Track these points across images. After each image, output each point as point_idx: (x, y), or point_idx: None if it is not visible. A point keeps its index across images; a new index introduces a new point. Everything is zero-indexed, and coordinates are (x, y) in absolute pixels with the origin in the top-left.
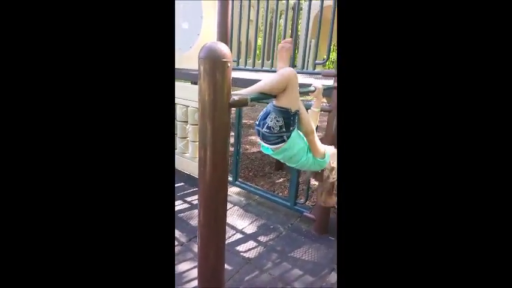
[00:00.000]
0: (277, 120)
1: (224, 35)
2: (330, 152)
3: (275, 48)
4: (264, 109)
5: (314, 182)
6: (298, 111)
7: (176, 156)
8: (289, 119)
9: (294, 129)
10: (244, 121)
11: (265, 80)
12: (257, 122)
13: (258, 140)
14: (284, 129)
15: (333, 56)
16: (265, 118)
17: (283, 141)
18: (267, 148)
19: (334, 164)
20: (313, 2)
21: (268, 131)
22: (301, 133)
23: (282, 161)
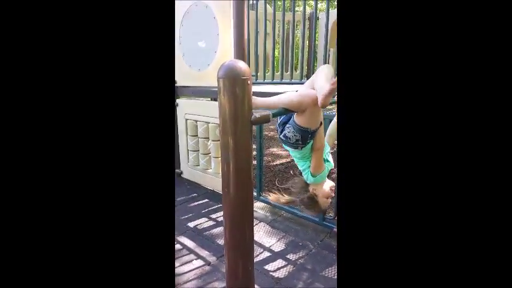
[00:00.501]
0: (294, 135)
1: (241, 51)
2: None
3: (293, 60)
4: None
5: None
6: (317, 129)
7: (199, 172)
8: (307, 137)
9: (310, 142)
10: (265, 133)
11: (289, 95)
12: (278, 121)
13: (281, 151)
14: (300, 142)
15: None
16: (284, 123)
17: (297, 148)
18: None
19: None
20: (330, 11)
21: (285, 139)
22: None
23: (294, 158)
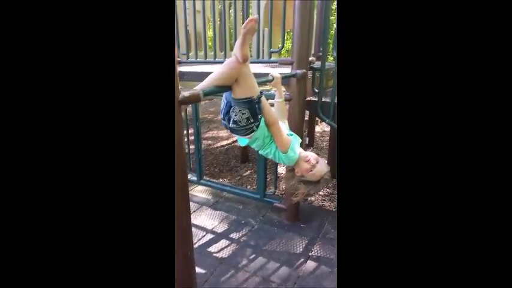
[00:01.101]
0: (242, 113)
1: None
2: (312, 157)
3: (227, 39)
4: (222, 101)
5: (281, 171)
6: (260, 97)
7: None
8: (254, 108)
9: (261, 117)
10: (204, 115)
11: (216, 71)
12: (221, 116)
13: (222, 133)
14: (252, 120)
15: (288, 44)
16: (227, 112)
17: (253, 131)
18: (242, 139)
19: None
20: None
21: (235, 125)
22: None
23: (257, 150)
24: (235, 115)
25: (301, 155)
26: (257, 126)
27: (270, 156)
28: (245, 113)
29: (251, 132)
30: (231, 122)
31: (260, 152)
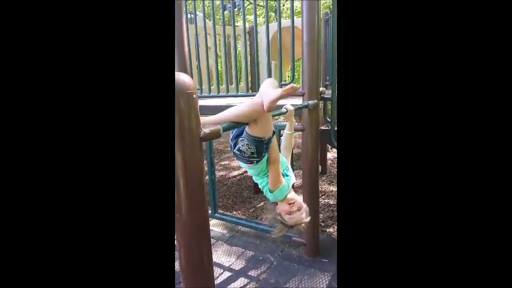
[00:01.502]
0: (249, 147)
1: (183, 64)
2: (296, 200)
3: (237, 73)
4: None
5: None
6: (271, 138)
7: None
8: (262, 148)
9: (265, 155)
10: (215, 146)
11: (237, 108)
12: (231, 137)
13: (234, 163)
14: (255, 156)
15: (297, 74)
16: (237, 137)
17: (252, 162)
18: (241, 163)
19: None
20: (270, 24)
21: (239, 153)
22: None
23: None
24: (242, 145)
25: (288, 197)
26: (257, 162)
27: (260, 186)
28: (251, 148)
29: (251, 163)
30: (236, 148)
31: (253, 178)
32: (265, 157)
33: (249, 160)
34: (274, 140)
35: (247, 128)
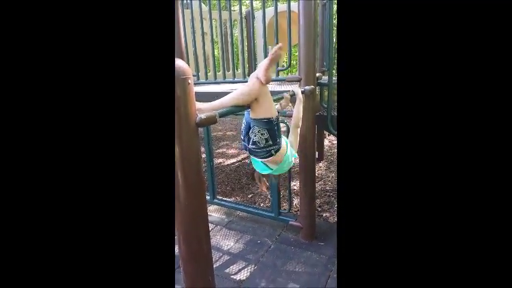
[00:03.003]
0: (261, 134)
1: (179, 50)
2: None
3: (234, 59)
4: (243, 123)
5: (294, 187)
6: (279, 118)
7: None
8: (274, 130)
9: (280, 141)
10: (214, 133)
11: (236, 91)
12: (242, 137)
13: (231, 150)
14: (270, 142)
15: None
16: (247, 133)
17: (271, 155)
18: (263, 168)
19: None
20: (266, 9)
21: (254, 146)
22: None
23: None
24: (255, 135)
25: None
26: (275, 151)
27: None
28: (264, 134)
29: (269, 156)
30: (250, 143)
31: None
32: (279, 147)
33: (266, 151)
34: (299, 104)
35: (252, 114)
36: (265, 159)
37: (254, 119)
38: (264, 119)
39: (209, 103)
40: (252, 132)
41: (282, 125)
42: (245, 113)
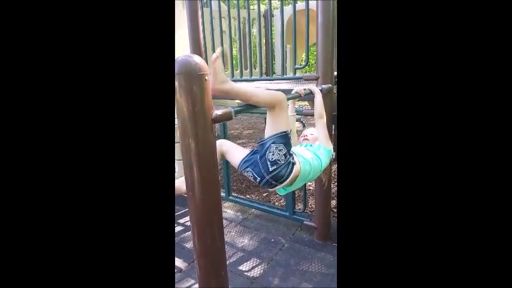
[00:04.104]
0: (279, 150)
1: (198, 47)
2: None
3: (251, 57)
4: (245, 158)
5: (310, 187)
6: (291, 130)
7: None
8: (289, 143)
9: (290, 148)
10: (230, 131)
11: (260, 90)
12: (252, 174)
13: (248, 149)
14: (288, 154)
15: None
16: (262, 157)
17: (294, 164)
18: (283, 189)
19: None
20: (285, 8)
21: (275, 166)
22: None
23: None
24: (273, 155)
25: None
26: (292, 158)
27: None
28: (282, 149)
29: (292, 168)
30: (269, 166)
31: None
32: (297, 151)
33: (287, 165)
34: (319, 96)
35: (270, 130)
36: (291, 174)
37: (271, 136)
38: (282, 132)
39: (238, 84)
40: (269, 152)
41: (297, 124)
42: (244, 159)
